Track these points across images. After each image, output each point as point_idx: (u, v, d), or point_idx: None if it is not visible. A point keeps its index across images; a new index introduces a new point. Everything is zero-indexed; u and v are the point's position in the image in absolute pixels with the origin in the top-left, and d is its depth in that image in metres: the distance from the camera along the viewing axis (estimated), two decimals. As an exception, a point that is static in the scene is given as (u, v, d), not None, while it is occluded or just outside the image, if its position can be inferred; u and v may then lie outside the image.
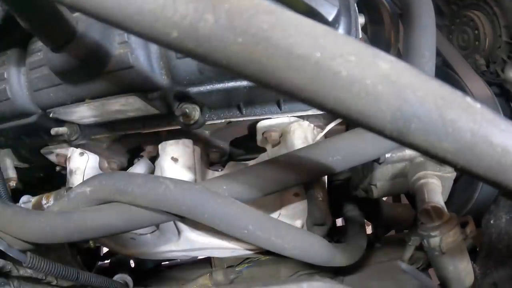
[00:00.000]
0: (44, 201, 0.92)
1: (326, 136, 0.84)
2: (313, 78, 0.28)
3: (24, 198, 0.95)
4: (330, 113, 0.30)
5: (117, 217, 0.70)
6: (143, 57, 0.70)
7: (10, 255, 0.71)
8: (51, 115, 0.80)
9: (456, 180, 0.82)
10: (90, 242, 1.05)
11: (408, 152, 0.79)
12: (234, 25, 0.27)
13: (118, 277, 0.98)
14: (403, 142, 0.30)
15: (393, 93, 0.28)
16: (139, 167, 0.93)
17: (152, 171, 0.92)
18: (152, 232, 0.91)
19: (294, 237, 0.73)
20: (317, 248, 0.76)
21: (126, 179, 0.69)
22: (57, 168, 1.05)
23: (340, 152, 0.70)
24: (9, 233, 0.72)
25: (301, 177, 0.73)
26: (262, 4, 0.28)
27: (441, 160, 0.31)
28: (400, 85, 0.28)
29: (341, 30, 0.68)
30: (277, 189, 0.73)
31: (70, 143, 0.90)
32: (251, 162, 0.98)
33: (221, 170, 0.98)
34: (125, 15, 0.30)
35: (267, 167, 0.73)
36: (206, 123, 0.83)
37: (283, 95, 0.33)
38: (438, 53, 1.05)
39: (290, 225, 0.76)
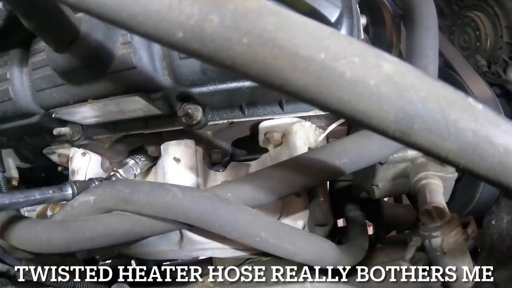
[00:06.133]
0: (49, 213, 0.92)
1: (328, 136, 0.84)
2: (317, 79, 0.28)
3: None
4: (334, 113, 0.30)
5: (118, 227, 0.68)
6: (146, 57, 0.70)
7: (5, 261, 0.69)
8: (53, 116, 0.80)
9: (457, 181, 0.82)
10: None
11: (410, 153, 0.79)
12: (239, 26, 0.28)
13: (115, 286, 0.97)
14: (406, 142, 0.31)
15: (396, 94, 0.28)
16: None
17: None
18: (154, 232, 0.91)
19: (306, 243, 0.72)
20: (327, 252, 0.75)
21: (131, 187, 0.67)
22: (59, 168, 1.06)
23: (348, 155, 0.69)
24: (6, 240, 0.71)
25: (309, 181, 0.72)
26: (267, 5, 0.29)
27: (443, 160, 0.31)
28: (403, 85, 0.28)
29: (343, 31, 0.68)
30: (284, 194, 0.72)
31: (72, 143, 0.90)
32: (253, 163, 0.98)
33: (223, 170, 0.98)
34: (130, 15, 0.31)
35: (274, 172, 0.72)
36: (208, 124, 0.83)
37: (287, 95, 0.33)
38: (440, 54, 1.05)
39: (300, 230, 0.75)
